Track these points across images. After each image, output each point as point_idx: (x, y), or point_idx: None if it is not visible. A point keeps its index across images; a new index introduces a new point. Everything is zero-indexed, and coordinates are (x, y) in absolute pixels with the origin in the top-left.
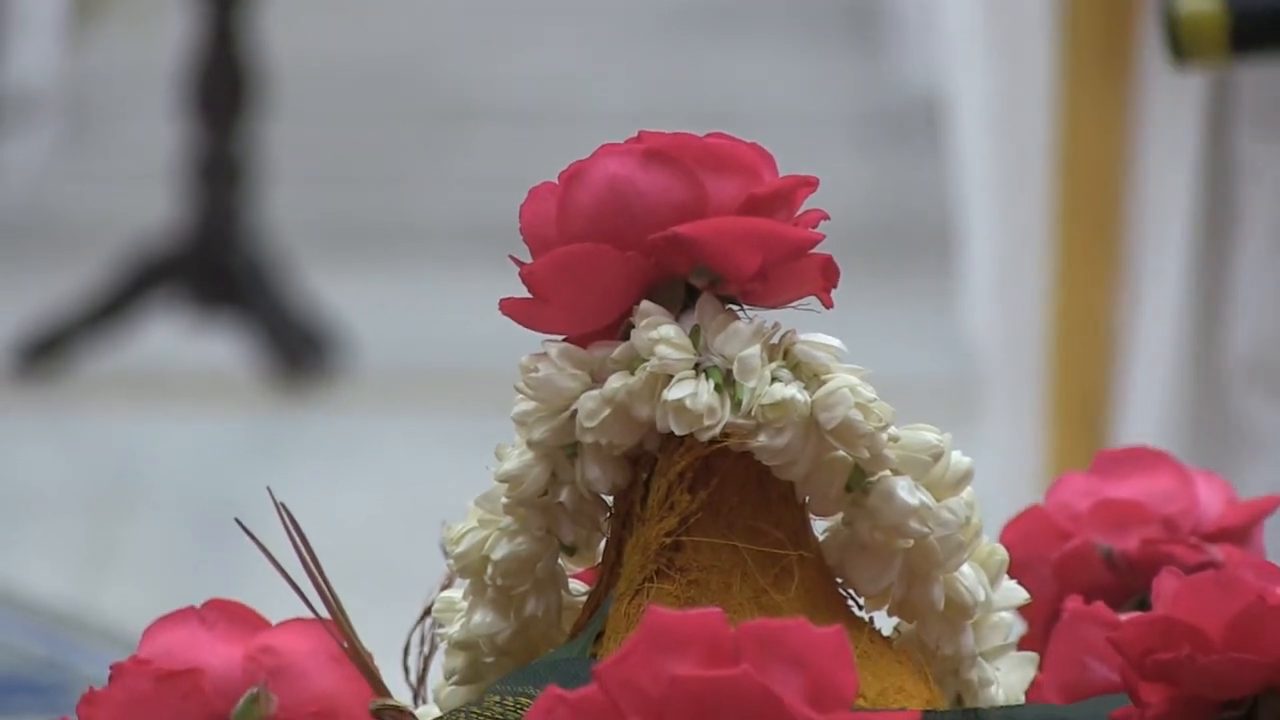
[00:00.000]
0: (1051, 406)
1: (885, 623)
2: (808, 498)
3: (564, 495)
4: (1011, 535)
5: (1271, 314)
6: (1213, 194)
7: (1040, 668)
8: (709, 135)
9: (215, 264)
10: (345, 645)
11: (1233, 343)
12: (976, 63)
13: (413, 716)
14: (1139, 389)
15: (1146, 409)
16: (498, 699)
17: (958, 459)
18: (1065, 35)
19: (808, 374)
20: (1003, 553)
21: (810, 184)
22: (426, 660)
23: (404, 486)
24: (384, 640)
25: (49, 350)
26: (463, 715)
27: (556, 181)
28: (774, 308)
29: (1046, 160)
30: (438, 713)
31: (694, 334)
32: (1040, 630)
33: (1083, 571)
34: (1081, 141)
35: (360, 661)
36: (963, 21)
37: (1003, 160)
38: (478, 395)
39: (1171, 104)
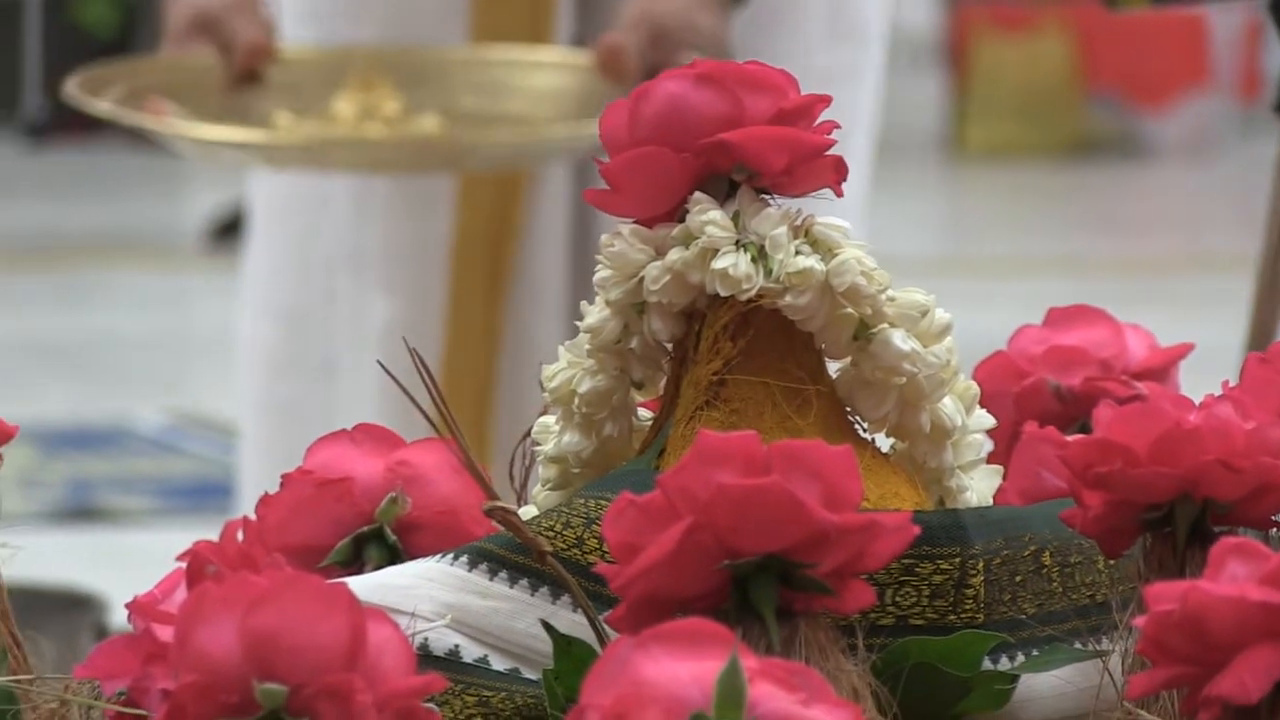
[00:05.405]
0: None
1: (884, 443)
2: (823, 345)
3: (634, 343)
4: (981, 374)
5: None
6: None
7: (1004, 478)
8: (746, 63)
9: None
10: (464, 460)
11: None
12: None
13: (516, 514)
14: None
15: None
16: (582, 501)
17: (940, 315)
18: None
19: (823, 248)
20: (975, 387)
21: (825, 101)
22: (527, 471)
23: None
24: None
25: (232, 228)
26: (555, 514)
27: (628, 99)
28: (797, 196)
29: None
30: (535, 512)
31: (735, 217)
32: (1004, 448)
33: (1037, 402)
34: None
35: (475, 473)
36: None
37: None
38: None
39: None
